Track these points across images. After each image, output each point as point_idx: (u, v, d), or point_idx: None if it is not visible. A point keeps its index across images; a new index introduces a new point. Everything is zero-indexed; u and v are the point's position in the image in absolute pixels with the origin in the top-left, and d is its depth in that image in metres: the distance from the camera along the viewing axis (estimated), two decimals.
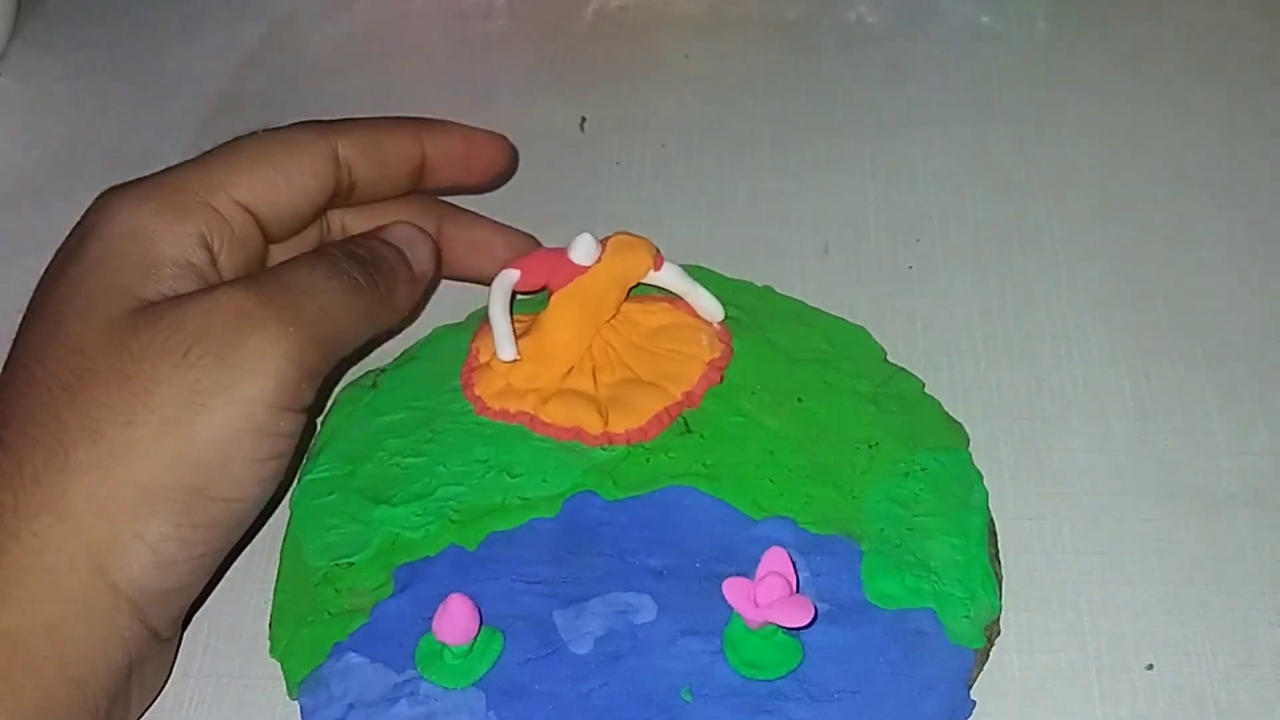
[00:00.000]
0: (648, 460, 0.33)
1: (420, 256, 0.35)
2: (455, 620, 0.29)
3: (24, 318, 0.30)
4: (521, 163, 0.43)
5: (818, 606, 0.29)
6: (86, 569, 0.27)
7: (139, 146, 0.46)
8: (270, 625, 0.32)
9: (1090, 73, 0.46)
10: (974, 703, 0.29)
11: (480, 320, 0.36)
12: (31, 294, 0.31)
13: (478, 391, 0.35)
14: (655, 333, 0.36)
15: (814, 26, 0.49)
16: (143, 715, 0.31)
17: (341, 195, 0.34)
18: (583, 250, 0.35)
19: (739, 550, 0.31)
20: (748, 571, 0.29)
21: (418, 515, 0.33)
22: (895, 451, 0.33)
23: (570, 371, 0.35)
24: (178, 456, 0.27)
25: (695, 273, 0.36)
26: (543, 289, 0.35)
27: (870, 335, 0.37)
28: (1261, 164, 0.42)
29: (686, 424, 0.34)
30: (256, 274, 0.31)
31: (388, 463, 0.34)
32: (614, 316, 0.36)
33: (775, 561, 0.29)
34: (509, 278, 0.35)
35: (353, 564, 0.32)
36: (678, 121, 0.46)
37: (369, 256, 0.33)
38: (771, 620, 0.28)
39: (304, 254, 0.32)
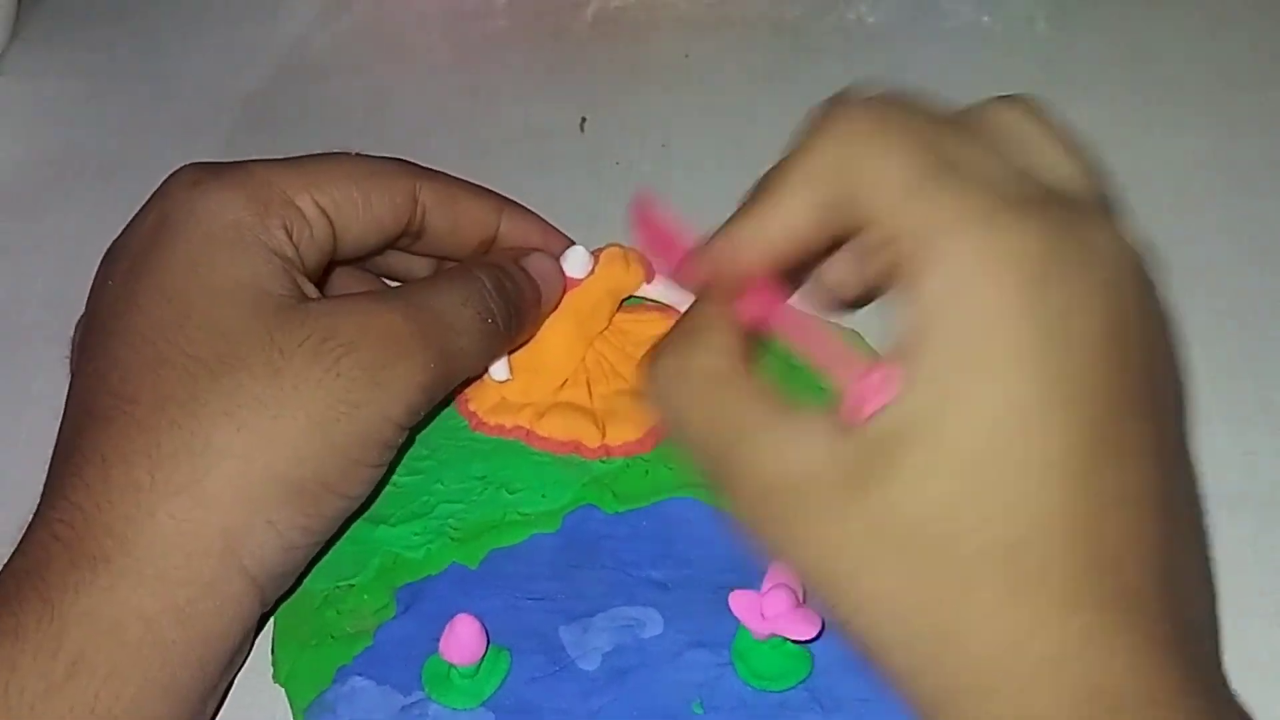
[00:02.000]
0: (646, 473, 0.34)
1: (551, 295, 0.35)
2: (463, 641, 0.29)
3: (120, 290, 0.30)
4: (521, 163, 0.43)
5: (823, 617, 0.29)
6: (220, 553, 0.27)
7: (139, 146, 0.46)
8: (272, 650, 0.32)
9: (1090, 73, 0.46)
10: None
11: None
12: (108, 261, 0.31)
13: (472, 407, 0.35)
14: (648, 343, 0.35)
15: (814, 26, 0.49)
16: None
17: (408, 237, 0.34)
18: (576, 263, 0.35)
19: (742, 561, 0.31)
20: (753, 583, 0.29)
21: (417, 534, 0.32)
22: None
23: (565, 384, 0.35)
24: (318, 455, 0.28)
25: None
26: None
27: (863, 338, 0.36)
28: (1262, 164, 0.42)
29: None
30: (407, 290, 0.31)
31: (384, 482, 0.33)
32: (607, 328, 0.36)
33: (781, 573, 0.29)
34: None
35: (353, 585, 0.32)
36: (678, 121, 0.46)
37: (514, 296, 0.33)
38: (779, 633, 0.28)
39: (453, 276, 0.32)
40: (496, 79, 0.48)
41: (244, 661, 0.31)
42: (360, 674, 0.30)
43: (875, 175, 0.25)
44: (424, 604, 0.31)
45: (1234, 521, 0.33)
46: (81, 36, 0.51)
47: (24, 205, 0.45)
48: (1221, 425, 0.35)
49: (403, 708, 0.29)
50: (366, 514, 0.32)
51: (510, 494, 0.33)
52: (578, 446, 0.34)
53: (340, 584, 0.32)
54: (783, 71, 0.47)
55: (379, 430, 0.29)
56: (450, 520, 0.33)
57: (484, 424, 0.35)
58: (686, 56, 0.48)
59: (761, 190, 0.28)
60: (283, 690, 0.31)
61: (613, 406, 0.35)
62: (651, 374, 0.28)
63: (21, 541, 0.27)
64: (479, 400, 0.35)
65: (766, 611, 0.28)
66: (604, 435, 0.34)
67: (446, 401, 0.34)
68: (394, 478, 0.33)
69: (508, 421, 0.35)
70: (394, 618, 0.31)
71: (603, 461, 0.34)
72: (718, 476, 0.27)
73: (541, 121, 0.46)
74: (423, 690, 0.30)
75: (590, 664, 0.30)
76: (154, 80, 0.49)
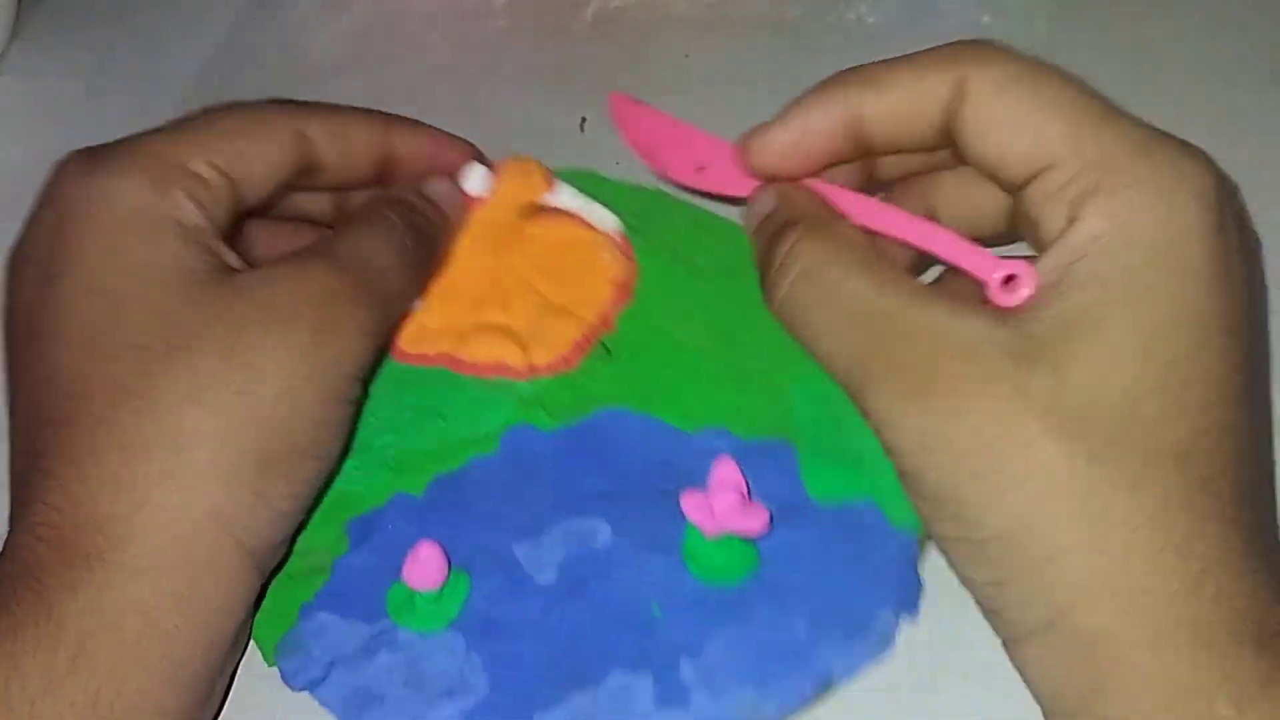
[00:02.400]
0: (574, 388, 0.34)
1: (455, 217, 0.35)
2: (427, 566, 0.29)
3: (39, 296, 0.29)
4: None
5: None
6: (213, 532, 0.27)
7: None
8: None
9: (1090, 73, 0.46)
10: (923, 581, 0.30)
11: None
12: (13, 272, 0.31)
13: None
14: (556, 250, 0.36)
15: (814, 26, 0.49)
16: None
17: (306, 175, 0.34)
18: (476, 181, 0.35)
19: (679, 464, 0.32)
20: (692, 484, 0.30)
21: (357, 468, 0.33)
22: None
23: (481, 304, 0.35)
24: (288, 422, 0.28)
25: (585, 180, 0.36)
26: None
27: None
28: (1262, 164, 0.42)
29: (606, 348, 0.34)
30: (328, 246, 0.31)
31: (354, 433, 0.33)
32: (515, 241, 0.35)
33: (725, 471, 0.29)
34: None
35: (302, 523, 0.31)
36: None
37: (426, 228, 0.33)
38: (729, 529, 0.29)
39: (366, 220, 0.32)
40: (496, 79, 0.48)
41: (249, 639, 0.31)
42: (324, 609, 0.30)
43: (1047, 105, 0.27)
44: (375, 535, 0.32)
45: None
46: (81, 36, 0.51)
47: (24, 205, 0.44)
48: None
49: (371, 637, 0.30)
50: None
51: (443, 420, 0.33)
52: (503, 368, 0.34)
53: None
54: (783, 71, 0.47)
55: (338, 388, 0.29)
56: (388, 451, 0.33)
57: (406, 354, 0.34)
58: (686, 56, 0.48)
59: (883, 68, 0.30)
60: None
61: (533, 323, 0.34)
62: (787, 270, 0.29)
63: (5, 549, 0.27)
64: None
65: (716, 509, 0.29)
66: (528, 355, 0.34)
67: None
68: None
69: (430, 349, 0.34)
70: (348, 551, 0.31)
71: (530, 382, 0.34)
72: (873, 359, 0.27)
73: (541, 121, 0.46)
74: (388, 618, 0.30)
75: (547, 577, 0.30)
76: (154, 80, 0.49)
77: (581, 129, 0.45)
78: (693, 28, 0.49)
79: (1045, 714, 0.27)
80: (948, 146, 0.30)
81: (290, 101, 0.34)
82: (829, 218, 0.30)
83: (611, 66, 0.48)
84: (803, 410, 0.33)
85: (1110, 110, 0.28)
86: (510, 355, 0.34)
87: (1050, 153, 0.27)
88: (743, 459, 0.31)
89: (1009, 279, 0.27)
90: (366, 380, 0.31)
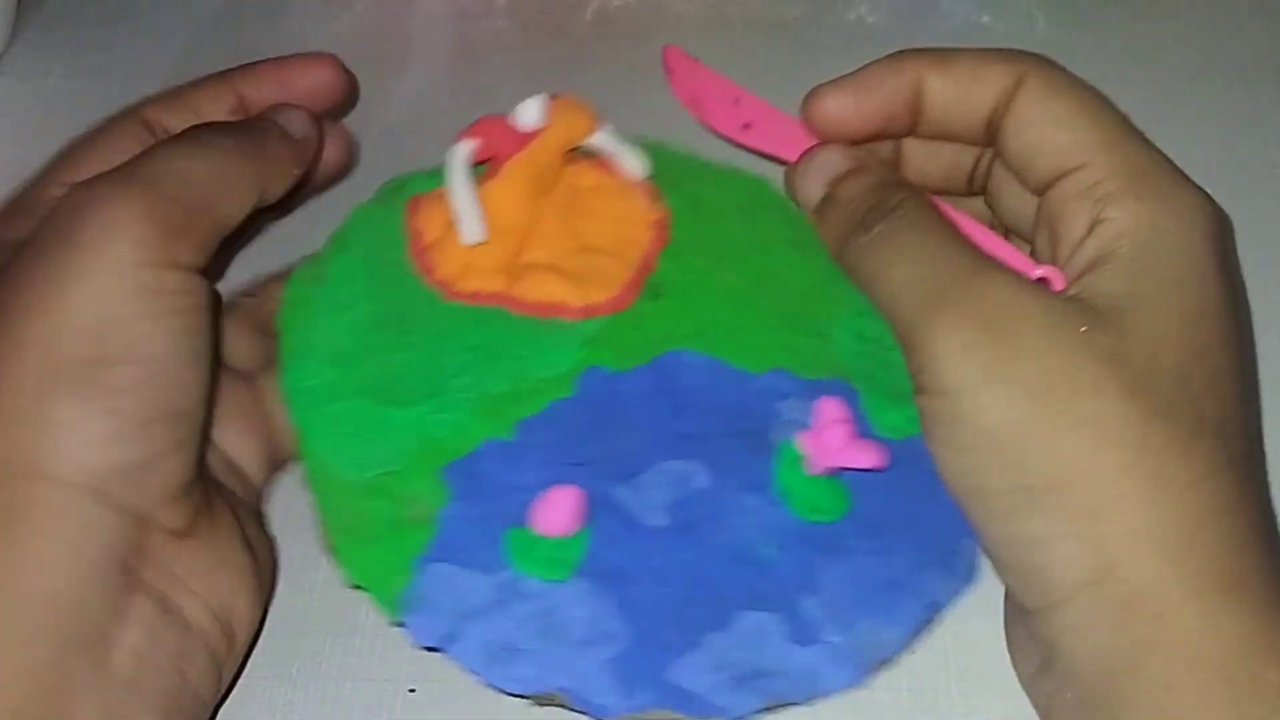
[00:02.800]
0: (636, 328, 0.33)
1: (293, 118, 0.34)
2: (561, 511, 0.28)
3: None
4: None
5: None
6: (13, 475, 0.26)
7: None
8: (335, 552, 0.30)
9: (1090, 73, 0.46)
10: None
11: (407, 196, 0.35)
12: None
13: (440, 275, 0.33)
14: (589, 194, 0.35)
15: (814, 26, 0.49)
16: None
17: None
18: (533, 113, 0.34)
19: (750, 404, 0.32)
20: (764, 423, 0.31)
21: (438, 412, 0.31)
22: (843, 291, 0.33)
23: (528, 243, 0.34)
24: (56, 336, 0.26)
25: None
26: (489, 159, 0.34)
27: (772, 184, 0.37)
28: (1262, 164, 0.42)
29: (655, 288, 0.34)
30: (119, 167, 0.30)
31: (382, 361, 0.32)
32: (555, 182, 0.35)
33: (833, 409, 0.30)
34: (466, 149, 0.33)
35: (396, 471, 0.30)
36: (678, 121, 0.45)
37: (233, 126, 0.33)
38: (847, 464, 0.29)
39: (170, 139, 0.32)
40: (496, 79, 0.48)
41: (256, 604, 0.30)
42: (440, 560, 0.29)
43: (1090, 113, 0.30)
44: (476, 482, 0.30)
45: None
46: (82, 37, 0.51)
47: None
48: None
49: (496, 587, 0.29)
50: (375, 396, 0.31)
51: (512, 360, 0.32)
52: (560, 308, 0.33)
53: (381, 472, 0.30)
54: (783, 71, 0.47)
55: (115, 280, 0.27)
56: (467, 393, 0.31)
57: (459, 293, 0.33)
58: None
59: (953, 53, 0.31)
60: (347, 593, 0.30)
61: (581, 265, 0.33)
62: (874, 203, 0.30)
63: None
64: (444, 266, 0.33)
65: (832, 445, 0.29)
66: (584, 294, 0.33)
67: (410, 275, 0.33)
68: (389, 356, 0.32)
69: (483, 287, 0.33)
70: (452, 500, 0.30)
71: (590, 321, 0.33)
72: (948, 291, 0.27)
73: None
74: (508, 568, 0.29)
75: (657, 520, 0.30)
76: (154, 80, 0.49)
77: None
78: (693, 28, 0.49)
79: (1077, 680, 0.26)
80: (985, 144, 0.32)
81: (135, 108, 0.35)
82: (907, 181, 0.32)
83: (611, 66, 0.48)
84: (848, 349, 0.33)
85: (1138, 134, 0.30)
86: (568, 294, 0.33)
87: (1085, 155, 0.29)
88: (807, 397, 0.31)
89: (1039, 281, 0.29)
90: (182, 270, 0.28)
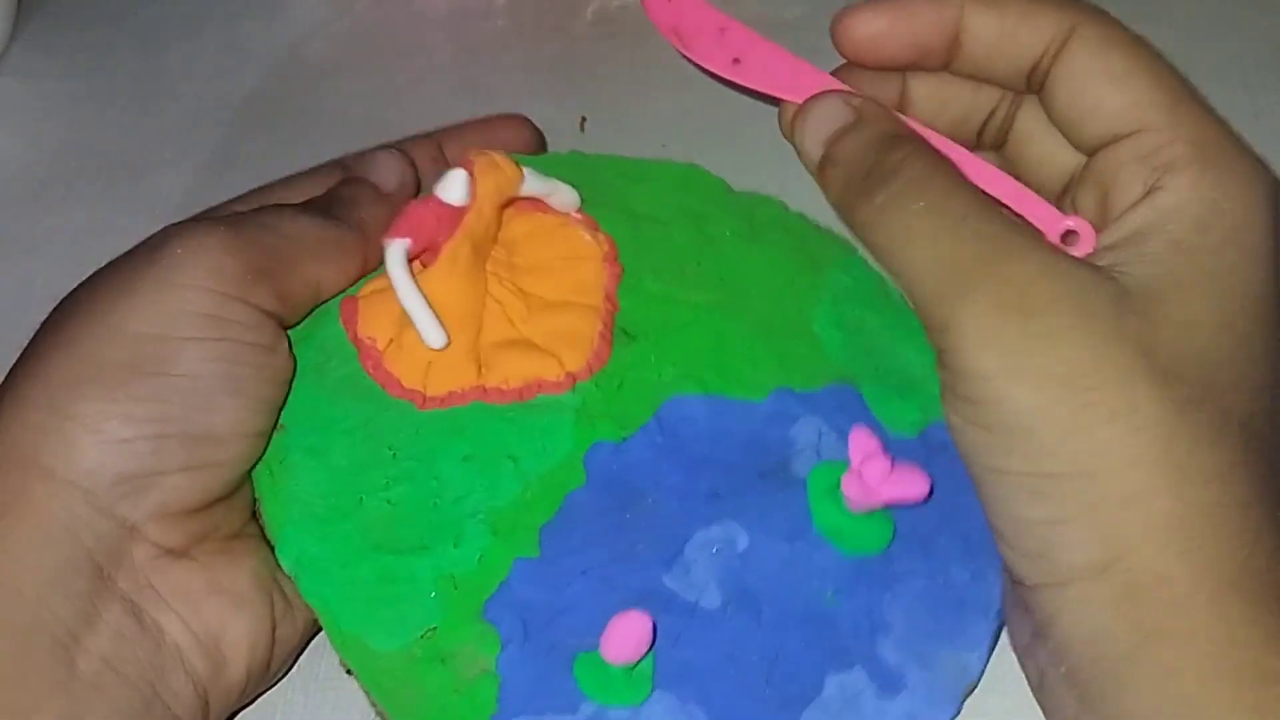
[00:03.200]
0: (623, 385, 0.31)
1: (383, 171, 0.33)
2: (633, 637, 0.26)
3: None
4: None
5: None
6: (14, 462, 0.26)
7: (139, 146, 0.46)
8: None
9: None
10: None
11: (339, 302, 0.32)
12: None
13: (407, 385, 0.30)
14: (527, 243, 0.33)
15: (814, 26, 0.49)
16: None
17: None
18: (458, 188, 0.30)
19: (764, 438, 0.30)
20: (787, 457, 0.29)
21: (458, 547, 0.29)
22: (808, 280, 0.32)
23: (489, 325, 0.31)
24: (105, 338, 0.27)
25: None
26: (424, 250, 0.31)
27: (705, 169, 0.35)
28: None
29: (626, 331, 0.31)
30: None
31: (377, 505, 0.29)
32: (494, 246, 0.32)
33: (865, 443, 0.28)
34: (400, 249, 0.30)
35: (436, 629, 0.28)
36: (678, 121, 0.46)
37: (321, 200, 0.32)
38: (893, 499, 0.28)
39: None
40: (496, 79, 0.48)
41: (281, 645, 0.30)
42: (516, 715, 0.27)
43: (1151, 71, 0.28)
44: (521, 614, 0.28)
45: None
46: (81, 36, 0.51)
47: (24, 205, 0.45)
48: None
49: None
50: (383, 547, 0.29)
51: (512, 461, 0.30)
52: (541, 385, 0.31)
53: (421, 635, 0.28)
54: None
55: (178, 299, 0.27)
56: (476, 517, 0.29)
57: (431, 399, 0.30)
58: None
59: None
60: None
61: (549, 330, 0.31)
62: (892, 171, 0.28)
63: None
64: (407, 374, 0.31)
65: (872, 483, 0.28)
66: (561, 363, 0.31)
67: (373, 390, 0.31)
68: (379, 497, 0.29)
69: (455, 386, 0.30)
70: (505, 647, 0.28)
71: (573, 392, 0.31)
72: (974, 272, 0.26)
73: (541, 121, 0.46)
74: (588, 700, 0.27)
75: (713, 601, 0.28)
76: (154, 80, 0.49)
77: (582, 129, 0.45)
78: None
79: (1072, 657, 0.26)
80: (1024, 91, 0.30)
81: (325, 166, 0.34)
82: (933, 151, 0.29)
83: (611, 66, 0.48)
84: (837, 346, 0.31)
85: (1201, 98, 0.28)
86: (544, 368, 0.31)
87: (1144, 117, 0.27)
88: (816, 413, 0.30)
89: (1068, 234, 0.27)
90: (248, 305, 0.28)
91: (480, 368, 0.31)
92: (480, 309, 0.31)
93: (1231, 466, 0.25)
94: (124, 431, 0.27)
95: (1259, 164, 0.27)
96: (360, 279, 0.32)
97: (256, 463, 0.30)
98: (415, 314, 0.29)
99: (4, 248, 0.43)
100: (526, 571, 0.28)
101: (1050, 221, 0.28)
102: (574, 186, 0.33)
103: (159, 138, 0.46)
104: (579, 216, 0.33)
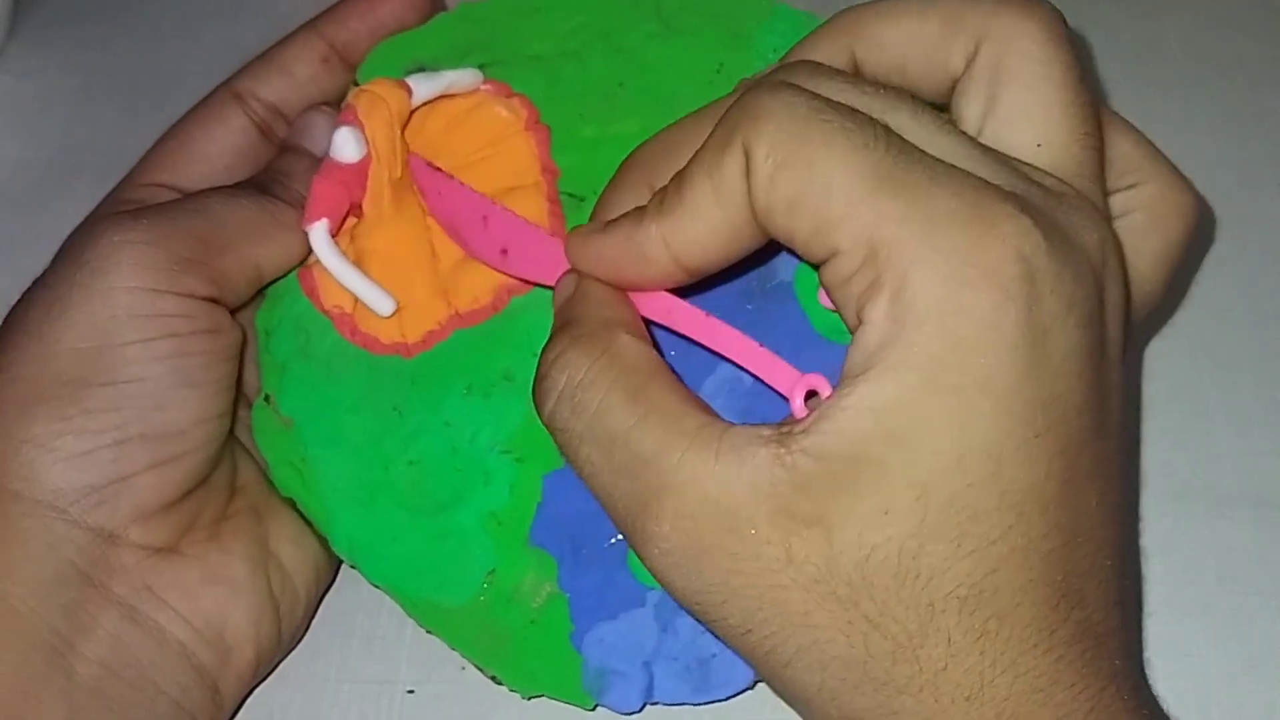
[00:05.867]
0: None
1: (320, 137, 0.32)
2: None
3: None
4: None
5: None
6: None
7: (138, 145, 0.46)
8: (497, 679, 0.29)
9: (1090, 72, 0.46)
10: None
11: (297, 275, 0.31)
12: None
13: (385, 341, 0.31)
14: (448, 140, 0.32)
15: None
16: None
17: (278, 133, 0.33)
18: (351, 145, 0.30)
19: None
20: (772, 266, 0.29)
21: (487, 485, 0.29)
22: (737, 57, 0.30)
23: (440, 251, 0.31)
24: (47, 357, 0.27)
25: (397, 49, 0.33)
26: (347, 213, 0.31)
27: None
28: (1263, 164, 0.42)
29: (572, 195, 0.31)
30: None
31: (400, 471, 0.30)
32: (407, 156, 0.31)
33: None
34: (321, 231, 0.30)
35: (495, 571, 0.29)
36: None
37: (257, 178, 0.31)
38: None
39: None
40: None
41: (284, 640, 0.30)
42: (594, 626, 0.28)
43: (820, 186, 0.22)
44: (566, 531, 0.29)
45: (1235, 521, 0.33)
46: (80, 34, 0.51)
47: (23, 203, 0.45)
48: (1224, 424, 0.35)
49: (655, 613, 0.28)
50: (424, 509, 0.29)
51: (509, 380, 0.30)
52: (509, 289, 0.30)
53: (484, 582, 0.29)
54: None
55: (110, 303, 0.27)
56: (495, 446, 0.29)
57: (415, 345, 0.30)
58: None
59: (682, 192, 0.24)
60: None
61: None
62: (550, 386, 0.25)
63: None
64: (385, 331, 0.31)
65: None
66: (506, 263, 0.30)
67: (360, 353, 0.31)
68: (402, 461, 0.30)
69: (432, 324, 0.31)
70: (560, 563, 0.29)
71: (534, 290, 0.30)
72: (641, 516, 0.23)
73: None
74: (647, 588, 0.28)
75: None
76: (153, 79, 0.49)
77: None
78: None
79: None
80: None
81: (228, 83, 0.34)
82: (614, 323, 0.25)
83: None
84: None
85: (901, 161, 0.22)
86: (499, 279, 0.31)
87: (836, 238, 0.22)
88: None
89: (810, 395, 0.24)
90: (182, 296, 0.28)
91: (450, 297, 0.31)
92: (425, 240, 0.31)
93: (941, 668, 0.22)
94: (82, 445, 0.27)
95: (982, 238, 0.21)
96: (310, 251, 0.31)
97: (227, 440, 0.30)
98: (358, 291, 0.30)
99: (3, 246, 0.43)
100: (557, 484, 0.29)
101: (787, 385, 0.25)
102: (470, 49, 0.32)
103: (157, 136, 0.46)
104: (488, 87, 0.32)
